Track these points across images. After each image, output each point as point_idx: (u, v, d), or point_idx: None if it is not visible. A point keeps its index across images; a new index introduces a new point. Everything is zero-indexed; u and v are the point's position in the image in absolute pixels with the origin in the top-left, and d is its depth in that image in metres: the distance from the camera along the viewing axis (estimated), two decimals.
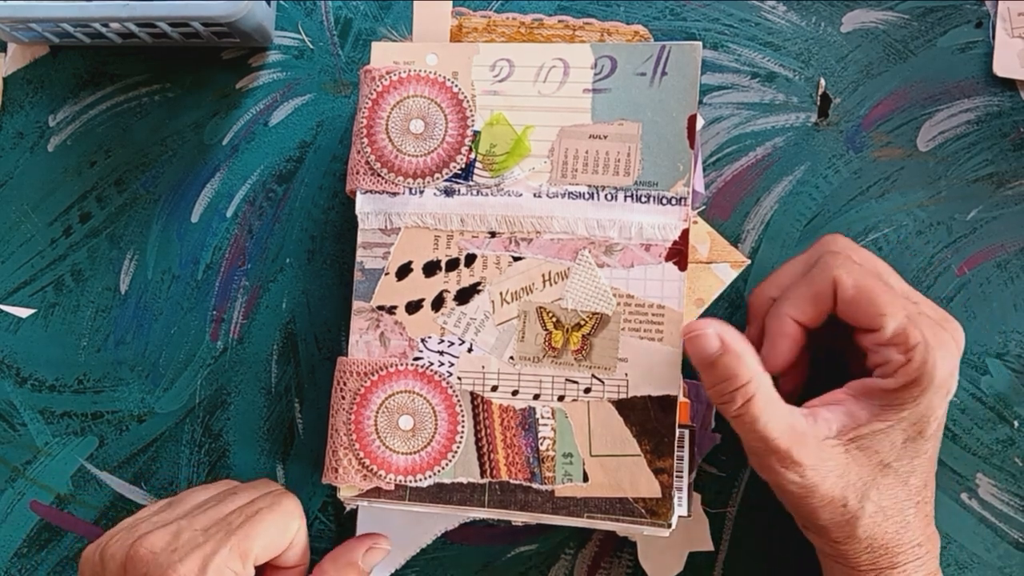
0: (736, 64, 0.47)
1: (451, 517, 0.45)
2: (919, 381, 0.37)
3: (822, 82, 0.47)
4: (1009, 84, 0.47)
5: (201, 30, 0.44)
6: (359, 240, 0.42)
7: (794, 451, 0.36)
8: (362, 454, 0.40)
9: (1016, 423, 0.45)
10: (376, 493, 0.40)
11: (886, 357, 0.38)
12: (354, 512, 0.45)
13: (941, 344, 0.37)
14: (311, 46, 0.48)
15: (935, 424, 0.38)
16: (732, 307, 0.46)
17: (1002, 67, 0.47)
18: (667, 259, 0.40)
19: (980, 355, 0.45)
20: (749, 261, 0.45)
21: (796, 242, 0.46)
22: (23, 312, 0.47)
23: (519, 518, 0.40)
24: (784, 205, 0.46)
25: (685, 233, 0.40)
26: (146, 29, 0.45)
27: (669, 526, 0.39)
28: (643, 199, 0.40)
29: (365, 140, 0.42)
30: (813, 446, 0.37)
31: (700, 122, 0.42)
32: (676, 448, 0.40)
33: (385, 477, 0.40)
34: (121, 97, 0.48)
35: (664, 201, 0.40)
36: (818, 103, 0.47)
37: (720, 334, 0.37)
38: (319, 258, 0.47)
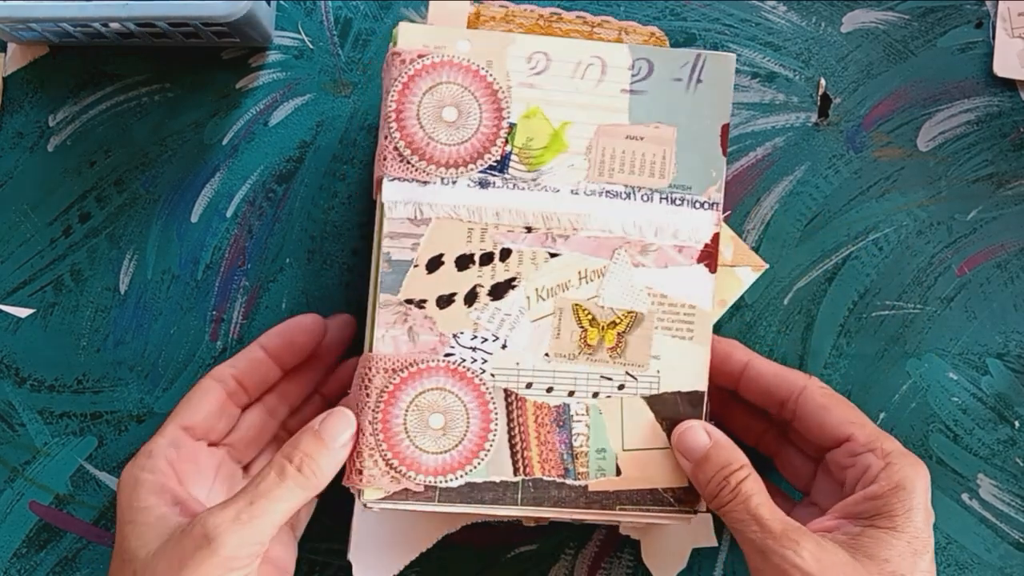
0: (736, 64, 0.47)
1: (453, 519, 0.44)
2: (903, 485, 0.37)
3: (822, 82, 0.47)
4: (1009, 84, 0.47)
5: (201, 30, 0.44)
6: (385, 229, 0.40)
7: (791, 532, 0.35)
8: (390, 455, 0.39)
9: (1017, 423, 0.45)
10: (404, 495, 0.39)
11: (864, 464, 0.38)
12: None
13: (915, 461, 0.38)
14: (311, 46, 0.48)
15: (928, 558, 0.36)
16: (733, 307, 0.46)
17: (1002, 67, 0.47)
18: (699, 261, 0.41)
19: (980, 355, 0.45)
20: (768, 266, 0.46)
21: (796, 242, 0.46)
22: (22, 312, 0.47)
23: (551, 515, 0.40)
24: (784, 205, 0.46)
25: (716, 237, 0.41)
26: (146, 29, 0.45)
27: (695, 512, 0.40)
28: (678, 202, 0.41)
29: (394, 125, 0.40)
30: (810, 537, 0.35)
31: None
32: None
33: (415, 478, 0.39)
34: (121, 97, 0.48)
35: (697, 205, 0.41)
36: (818, 103, 0.47)
37: (706, 427, 0.39)
38: (319, 258, 0.47)
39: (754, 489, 0.37)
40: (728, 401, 0.44)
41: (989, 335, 0.46)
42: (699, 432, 0.39)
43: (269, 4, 0.47)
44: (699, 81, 0.41)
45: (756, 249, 0.46)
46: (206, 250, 0.47)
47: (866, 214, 0.46)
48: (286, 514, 0.36)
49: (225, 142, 0.47)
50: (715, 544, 0.45)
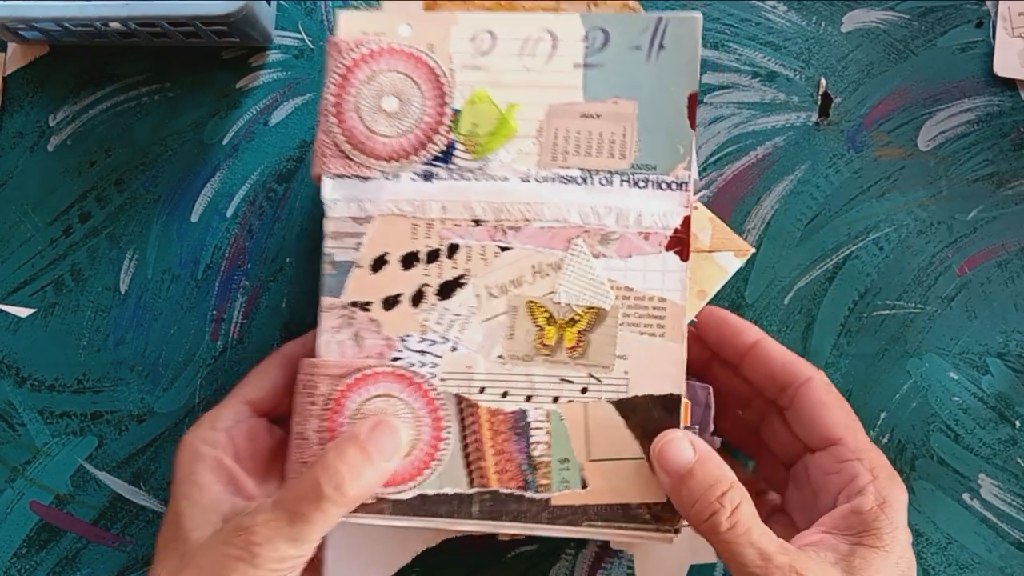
0: (737, 64, 0.47)
1: (432, 534, 0.42)
2: (890, 502, 0.35)
3: (823, 82, 0.47)
4: (1009, 84, 0.47)
5: (201, 29, 0.44)
6: (327, 230, 0.38)
7: (798, 563, 0.33)
8: None
9: (1018, 423, 0.45)
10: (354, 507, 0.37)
11: (851, 473, 0.36)
12: None
13: (898, 479, 0.36)
14: (311, 46, 0.48)
15: None
16: (733, 307, 0.46)
17: (1002, 67, 0.47)
18: (668, 248, 0.37)
19: (981, 355, 0.45)
20: (753, 250, 0.42)
21: (797, 242, 0.46)
22: (23, 312, 0.47)
23: (511, 530, 0.37)
24: (785, 205, 0.46)
25: (687, 220, 0.37)
26: (146, 28, 0.45)
27: (675, 532, 0.37)
28: (641, 184, 0.37)
29: (333, 119, 0.38)
30: (813, 566, 0.33)
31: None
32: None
33: None
34: (121, 97, 0.48)
35: (664, 186, 0.37)
36: (819, 103, 0.47)
37: (690, 438, 0.35)
38: (319, 258, 0.47)
39: (752, 516, 0.34)
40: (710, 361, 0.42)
41: (990, 335, 0.46)
42: (682, 445, 0.35)
43: (269, 4, 0.47)
44: (661, 47, 0.38)
45: (757, 249, 0.46)
46: (206, 250, 0.47)
47: (867, 214, 0.46)
48: (325, 531, 0.35)
49: (225, 142, 0.47)
50: (714, 561, 0.45)
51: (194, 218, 0.47)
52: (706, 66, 0.47)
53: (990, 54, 0.47)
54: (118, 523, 0.46)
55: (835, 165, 0.47)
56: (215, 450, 0.37)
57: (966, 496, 0.45)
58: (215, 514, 0.36)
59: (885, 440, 0.45)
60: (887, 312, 0.46)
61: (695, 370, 0.41)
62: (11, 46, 0.48)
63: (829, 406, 0.38)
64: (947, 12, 0.47)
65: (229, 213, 0.47)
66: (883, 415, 0.45)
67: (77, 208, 0.47)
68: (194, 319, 0.47)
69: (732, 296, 0.46)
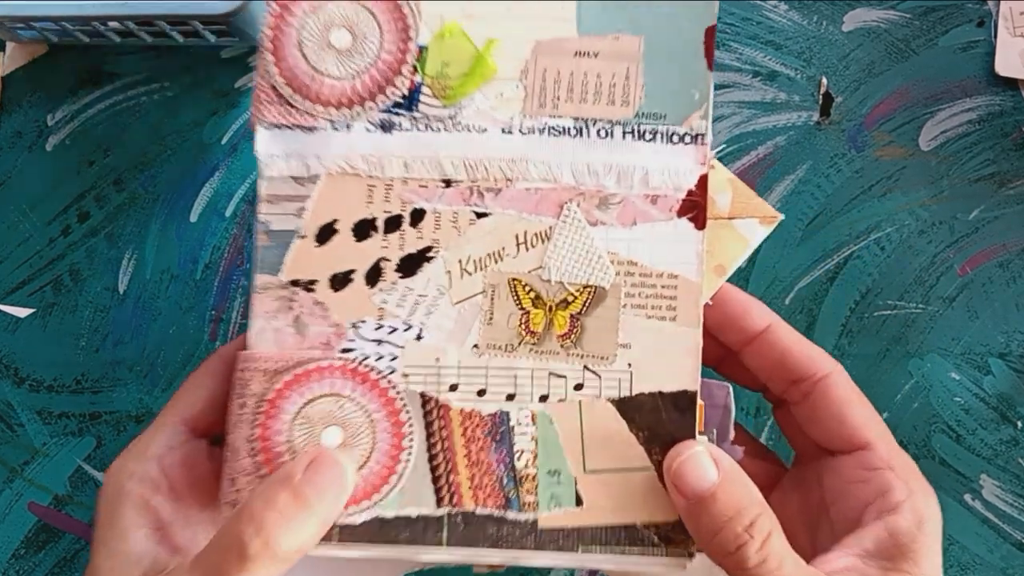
0: (738, 63, 0.47)
1: (392, 568, 0.36)
2: (928, 522, 0.30)
3: (824, 81, 0.47)
4: (1011, 83, 0.47)
5: (200, 29, 0.44)
6: (261, 192, 0.32)
7: None
8: None
9: (1019, 423, 0.45)
10: None
11: (883, 485, 0.31)
12: None
13: (929, 488, 0.31)
14: None
15: None
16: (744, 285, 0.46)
17: (1004, 66, 0.46)
18: (680, 214, 0.31)
19: (983, 355, 0.45)
20: (782, 216, 0.35)
21: (798, 241, 0.46)
22: (21, 312, 0.47)
23: (490, 560, 0.31)
24: (786, 204, 0.46)
25: (703, 180, 0.31)
26: (145, 28, 0.45)
27: (690, 557, 0.31)
28: (648, 136, 0.31)
29: (270, 58, 0.32)
30: None
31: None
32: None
33: None
34: (120, 96, 0.48)
35: (675, 139, 0.31)
36: (820, 102, 0.47)
37: (713, 454, 0.29)
38: None
39: (784, 547, 0.28)
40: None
41: (991, 335, 0.45)
42: (702, 462, 0.29)
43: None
44: None
45: (757, 249, 0.46)
46: (205, 249, 0.47)
47: (868, 213, 0.46)
48: None
49: (224, 141, 0.47)
50: None
51: (193, 218, 0.47)
52: None
53: (991, 53, 0.47)
54: None
55: (836, 165, 0.46)
56: (142, 486, 0.31)
57: (968, 497, 0.45)
58: (134, 569, 0.30)
59: None
60: (888, 312, 0.46)
61: (708, 363, 0.36)
62: (10, 45, 0.48)
63: (854, 404, 0.33)
64: (948, 11, 0.47)
65: (228, 213, 0.47)
66: (885, 415, 0.45)
67: (76, 208, 0.47)
68: (193, 319, 0.46)
69: (744, 274, 0.46)
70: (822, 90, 0.47)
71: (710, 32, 0.31)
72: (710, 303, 0.34)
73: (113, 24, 0.44)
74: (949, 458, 0.45)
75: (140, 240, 0.47)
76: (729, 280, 0.36)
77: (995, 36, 0.47)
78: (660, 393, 0.31)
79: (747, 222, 0.34)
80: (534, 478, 0.31)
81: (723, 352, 0.35)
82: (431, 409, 0.31)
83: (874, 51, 0.47)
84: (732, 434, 0.35)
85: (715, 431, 0.35)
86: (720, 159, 0.46)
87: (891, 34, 0.47)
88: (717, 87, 0.47)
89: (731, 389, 0.35)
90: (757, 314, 0.34)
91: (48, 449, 0.46)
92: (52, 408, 0.46)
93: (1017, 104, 0.47)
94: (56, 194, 0.47)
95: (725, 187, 0.35)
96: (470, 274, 0.32)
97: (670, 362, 0.31)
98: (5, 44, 0.48)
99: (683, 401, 0.31)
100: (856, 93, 0.47)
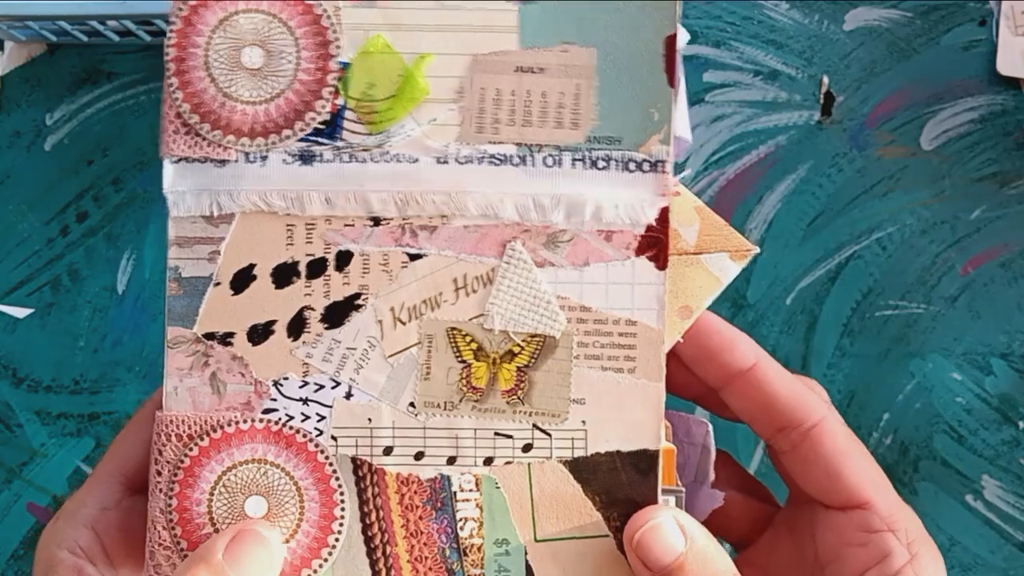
0: (739, 62, 0.47)
1: None
2: None
3: (825, 80, 0.47)
4: (1013, 83, 0.47)
5: None
6: (170, 235, 0.28)
7: None
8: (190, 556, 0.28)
9: (1021, 424, 0.45)
10: None
11: (883, 549, 0.29)
12: None
13: (936, 550, 0.29)
14: None
15: None
16: (733, 308, 0.46)
17: (1005, 65, 0.46)
18: (638, 252, 0.28)
19: (985, 355, 0.45)
20: (757, 249, 0.31)
21: (799, 241, 0.46)
22: (20, 312, 0.47)
23: None
24: (787, 204, 0.46)
25: (664, 213, 0.28)
26: (144, 27, 0.44)
27: None
28: (600, 164, 0.28)
29: (175, 81, 0.28)
30: None
31: (683, 37, 0.30)
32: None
33: None
34: (118, 96, 0.48)
35: (632, 166, 0.28)
36: (821, 101, 0.47)
37: (679, 521, 0.27)
38: None
39: None
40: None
41: (993, 335, 0.45)
42: (666, 531, 0.27)
43: None
44: None
45: (759, 248, 0.46)
46: None
47: (869, 213, 0.46)
48: None
49: None
50: None
51: None
52: (708, 64, 0.46)
53: (993, 53, 0.47)
54: None
55: (838, 164, 0.46)
56: (74, 555, 0.29)
57: (969, 498, 0.45)
58: None
59: (888, 441, 0.45)
60: (890, 312, 0.46)
61: (688, 397, 0.33)
62: (8, 45, 0.48)
63: (850, 456, 0.30)
64: (950, 10, 0.47)
65: None
66: (886, 416, 0.45)
67: (74, 207, 0.47)
68: None
69: (733, 296, 0.46)
70: (823, 89, 0.47)
71: (670, 42, 0.28)
72: (681, 340, 0.30)
73: (112, 23, 0.44)
74: (951, 459, 0.45)
75: (139, 240, 0.47)
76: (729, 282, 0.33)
77: (997, 35, 0.47)
78: (618, 453, 0.28)
79: (717, 257, 0.30)
80: (480, 549, 0.28)
81: (705, 389, 0.32)
82: (364, 475, 0.29)
83: (875, 50, 0.47)
84: (712, 476, 0.32)
85: (695, 476, 0.32)
86: (721, 159, 0.46)
87: (893, 33, 0.47)
88: (718, 86, 0.47)
89: (711, 428, 0.32)
90: (742, 350, 0.30)
91: (47, 450, 0.46)
92: (51, 408, 0.46)
93: (1019, 103, 0.46)
94: (55, 194, 0.47)
95: (692, 217, 0.30)
96: (404, 323, 0.29)
97: (629, 419, 0.28)
98: (3, 43, 0.48)
99: (644, 461, 0.28)
100: (858, 92, 0.47)
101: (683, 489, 0.30)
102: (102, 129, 0.47)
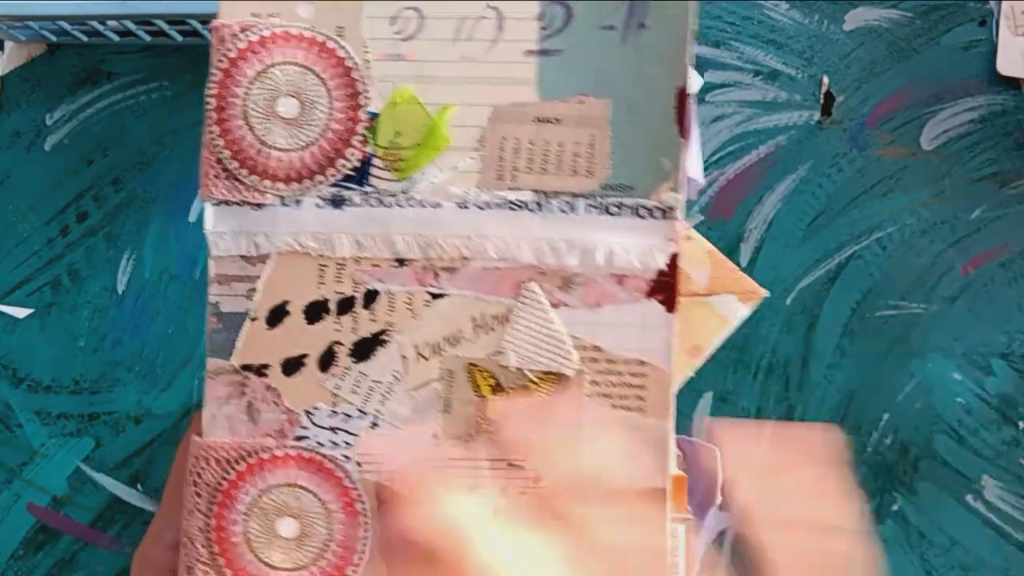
0: (738, 62, 0.47)
1: None
2: None
3: (825, 80, 0.47)
4: (1013, 83, 0.47)
5: (199, 28, 0.44)
6: (211, 272, 0.31)
7: None
8: (229, 573, 0.30)
9: (1021, 424, 0.45)
10: None
11: None
12: None
13: None
14: None
15: None
16: (738, 350, 0.45)
17: (1006, 65, 0.46)
18: (649, 295, 0.30)
19: (985, 356, 0.45)
20: (766, 293, 0.33)
21: (799, 241, 0.46)
22: (20, 312, 0.47)
23: None
24: (787, 204, 0.46)
25: (674, 259, 0.29)
26: (144, 27, 0.44)
27: None
28: (613, 210, 0.30)
29: (215, 129, 0.30)
30: None
31: (696, 82, 0.31)
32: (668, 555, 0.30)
33: None
34: (119, 96, 0.48)
35: (643, 213, 0.30)
36: (821, 101, 0.47)
37: None
38: None
39: None
40: None
41: (993, 335, 0.45)
42: None
43: None
44: (641, 27, 0.29)
45: (759, 249, 0.46)
46: (204, 249, 0.47)
47: (869, 213, 0.46)
48: None
49: None
50: None
51: (192, 217, 0.47)
52: (707, 64, 0.46)
53: (993, 53, 0.47)
54: (115, 525, 0.46)
55: (838, 164, 0.46)
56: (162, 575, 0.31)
57: (969, 498, 0.45)
58: None
59: (888, 441, 0.45)
60: (890, 312, 0.46)
61: None
62: (8, 45, 0.48)
63: None
64: (950, 10, 0.47)
65: None
66: (886, 416, 0.45)
67: (74, 207, 0.47)
68: (192, 319, 0.46)
69: (737, 339, 0.45)
70: (823, 89, 0.47)
71: (682, 94, 0.29)
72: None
73: (112, 23, 0.44)
74: (951, 459, 0.45)
75: (139, 240, 0.47)
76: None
77: (997, 35, 0.47)
78: (629, 490, 0.29)
79: (725, 299, 0.33)
80: None
81: None
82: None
83: (876, 50, 0.47)
84: (719, 499, 0.33)
85: (701, 501, 0.33)
86: (720, 159, 0.46)
87: (893, 33, 0.47)
88: (718, 86, 0.47)
89: (719, 453, 0.34)
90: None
91: (47, 450, 0.46)
92: (50, 409, 0.46)
93: (1019, 103, 0.46)
94: (54, 194, 0.47)
95: (702, 260, 0.33)
96: (426, 359, 0.30)
97: (638, 456, 0.29)
98: (3, 43, 0.48)
99: (652, 498, 0.29)
100: (858, 92, 0.47)
101: (691, 517, 0.31)
102: (102, 129, 0.48)
